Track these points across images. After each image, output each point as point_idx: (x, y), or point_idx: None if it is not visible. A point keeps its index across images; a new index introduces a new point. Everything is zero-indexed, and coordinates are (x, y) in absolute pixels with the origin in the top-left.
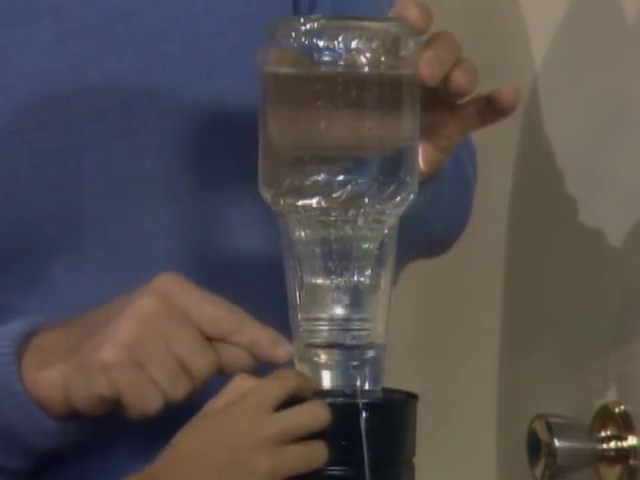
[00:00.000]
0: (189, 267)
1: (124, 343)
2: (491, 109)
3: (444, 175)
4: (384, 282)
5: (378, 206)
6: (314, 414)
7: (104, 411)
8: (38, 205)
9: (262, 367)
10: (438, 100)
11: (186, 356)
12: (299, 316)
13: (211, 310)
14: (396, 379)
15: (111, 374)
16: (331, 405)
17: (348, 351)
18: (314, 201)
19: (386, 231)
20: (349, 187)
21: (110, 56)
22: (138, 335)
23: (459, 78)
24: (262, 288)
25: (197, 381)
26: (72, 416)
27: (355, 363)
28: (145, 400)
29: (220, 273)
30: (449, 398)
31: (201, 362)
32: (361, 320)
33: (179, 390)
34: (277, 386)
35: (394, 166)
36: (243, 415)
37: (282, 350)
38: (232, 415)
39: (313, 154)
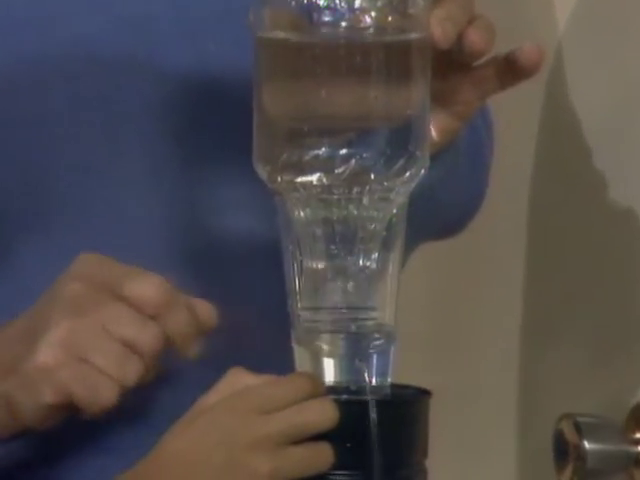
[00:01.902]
0: (174, 252)
1: (58, 340)
2: (511, 70)
3: (458, 147)
4: (392, 266)
5: (385, 183)
6: (320, 413)
7: (57, 421)
8: (2, 179)
9: (261, 365)
10: (451, 63)
11: (128, 335)
12: (299, 304)
13: (141, 286)
14: (406, 373)
15: (54, 377)
16: (335, 402)
17: (353, 342)
18: (314, 178)
19: (394, 210)
20: (353, 162)
21: (80, 15)
22: (71, 327)
23: (474, 37)
24: (257, 275)
25: (147, 358)
26: (17, 435)
27: (361, 355)
28: (98, 393)
29: (209, 259)
30: (465, 395)
31: (145, 337)
32: (367, 308)
33: (131, 373)
34: (288, 389)
35: (403, 138)
36: (242, 412)
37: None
38: (229, 412)
39: (313, 126)
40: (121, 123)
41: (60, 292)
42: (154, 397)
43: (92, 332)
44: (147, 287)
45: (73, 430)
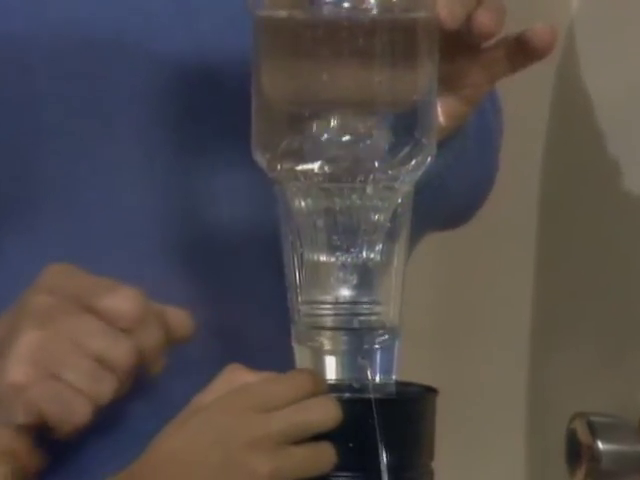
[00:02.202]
0: (168, 242)
1: (28, 356)
2: (522, 51)
3: (467, 132)
4: (397, 259)
5: (390, 171)
6: (323, 411)
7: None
8: None
9: (260, 362)
10: (460, 44)
11: (100, 349)
12: (299, 299)
13: (115, 299)
14: (411, 371)
15: (25, 396)
16: (337, 401)
17: (356, 337)
18: (316, 166)
19: (399, 200)
20: (356, 149)
21: None
22: (40, 342)
23: (483, 17)
24: (255, 267)
25: (121, 374)
26: None
27: (364, 351)
28: (71, 411)
29: (205, 249)
30: (472, 393)
31: (118, 351)
32: (371, 303)
33: (105, 390)
34: (288, 387)
35: (408, 125)
36: (240, 410)
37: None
38: (227, 410)
39: (314, 111)
40: (113, 108)
41: (28, 304)
42: (142, 400)
43: (63, 346)
44: (122, 300)
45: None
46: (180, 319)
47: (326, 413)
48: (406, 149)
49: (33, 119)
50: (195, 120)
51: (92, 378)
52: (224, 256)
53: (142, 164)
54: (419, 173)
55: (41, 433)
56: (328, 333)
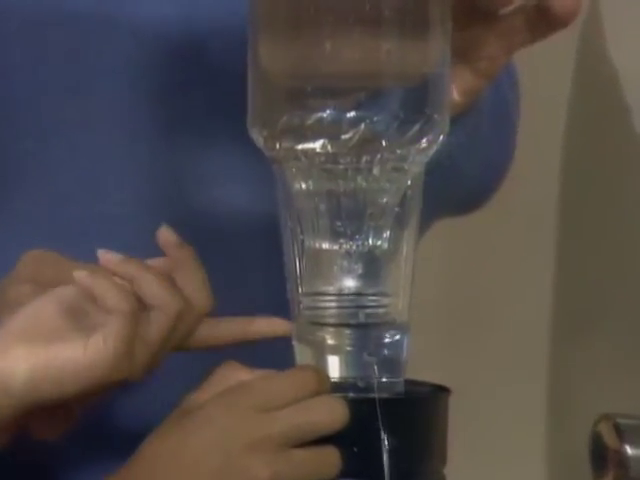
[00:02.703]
0: (154, 231)
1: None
2: (543, 20)
3: (482, 108)
4: (406, 247)
5: (399, 151)
6: (328, 412)
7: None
8: None
9: (257, 359)
10: (475, 12)
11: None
12: (300, 290)
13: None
14: (422, 369)
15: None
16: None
17: (362, 332)
18: (318, 145)
19: (409, 182)
20: (362, 127)
21: None
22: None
23: None
24: (251, 256)
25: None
26: None
27: (371, 348)
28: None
29: (194, 238)
30: (488, 393)
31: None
32: (378, 294)
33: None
34: (290, 385)
35: (419, 99)
36: (239, 410)
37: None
38: (224, 410)
39: (316, 85)
40: (93, 83)
41: (8, 295)
42: (137, 396)
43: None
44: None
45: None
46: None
47: (331, 414)
48: (416, 126)
49: (5, 92)
50: (182, 96)
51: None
52: (215, 243)
53: (124, 145)
54: (430, 152)
55: (23, 434)
56: (331, 328)
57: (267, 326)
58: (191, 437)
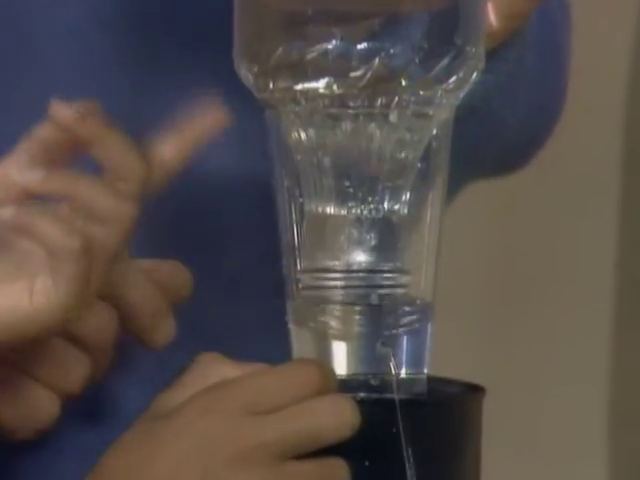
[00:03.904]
0: None
1: None
2: None
3: (526, 38)
4: (431, 212)
5: (422, 92)
6: (334, 415)
7: None
8: None
9: (243, 351)
10: None
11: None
12: (298, 266)
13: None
14: (450, 362)
15: None
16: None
17: (375, 318)
18: (321, 84)
19: (434, 132)
20: (376, 61)
21: None
22: None
23: None
24: (235, 225)
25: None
26: None
27: (386, 335)
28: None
29: (165, 202)
30: (533, 391)
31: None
32: (395, 271)
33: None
34: (287, 382)
35: (447, 26)
36: (224, 414)
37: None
38: (206, 413)
39: (319, 8)
40: (43, 39)
41: None
42: (111, 395)
43: None
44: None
45: None
46: (176, 274)
47: (337, 418)
48: (444, 61)
49: None
50: (146, 25)
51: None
52: (189, 210)
53: (80, 89)
54: (461, 94)
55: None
56: (337, 311)
57: (201, 124)
58: (164, 448)
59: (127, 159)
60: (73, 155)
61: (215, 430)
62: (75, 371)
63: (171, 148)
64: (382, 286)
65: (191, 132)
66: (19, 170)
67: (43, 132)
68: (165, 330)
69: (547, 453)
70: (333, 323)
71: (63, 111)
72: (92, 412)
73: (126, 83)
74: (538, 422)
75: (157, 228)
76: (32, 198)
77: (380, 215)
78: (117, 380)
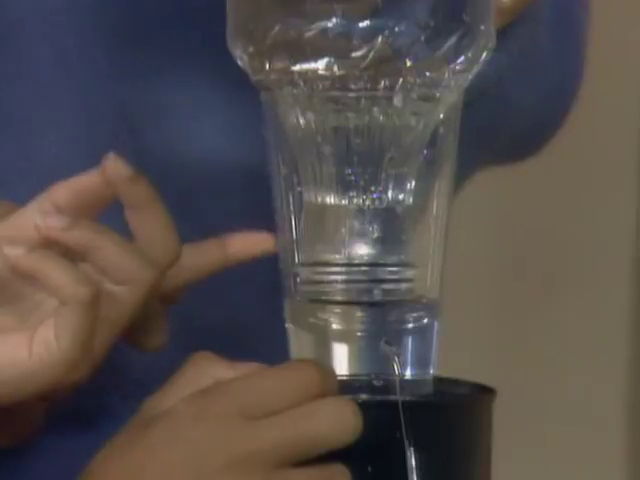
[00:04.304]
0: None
1: None
2: None
3: (539, 15)
4: (437, 202)
5: (428, 73)
6: (334, 420)
7: None
8: None
9: (237, 352)
10: None
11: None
12: (296, 259)
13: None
14: (458, 363)
15: None
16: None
17: (378, 315)
18: (321, 65)
19: (441, 116)
20: (379, 40)
21: None
22: None
23: None
24: (227, 217)
25: None
26: None
27: (390, 335)
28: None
29: (159, 185)
30: (546, 394)
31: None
32: (399, 265)
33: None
34: (284, 384)
35: (454, 3)
36: (218, 419)
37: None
38: (198, 418)
39: None
40: (15, 20)
41: None
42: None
43: None
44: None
45: None
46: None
47: (339, 422)
48: (451, 40)
49: None
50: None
51: None
52: (176, 200)
53: (58, 70)
54: (470, 75)
55: None
56: (337, 309)
57: (242, 245)
58: (154, 456)
59: (165, 234)
60: (99, 212)
61: (208, 436)
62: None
63: (205, 256)
64: (385, 281)
65: (233, 248)
66: (42, 214)
67: (83, 182)
68: (158, 335)
69: (562, 457)
70: (333, 320)
71: (117, 168)
72: (77, 415)
73: (110, 65)
74: (552, 425)
75: None
76: (49, 247)
77: (383, 205)
78: (102, 382)
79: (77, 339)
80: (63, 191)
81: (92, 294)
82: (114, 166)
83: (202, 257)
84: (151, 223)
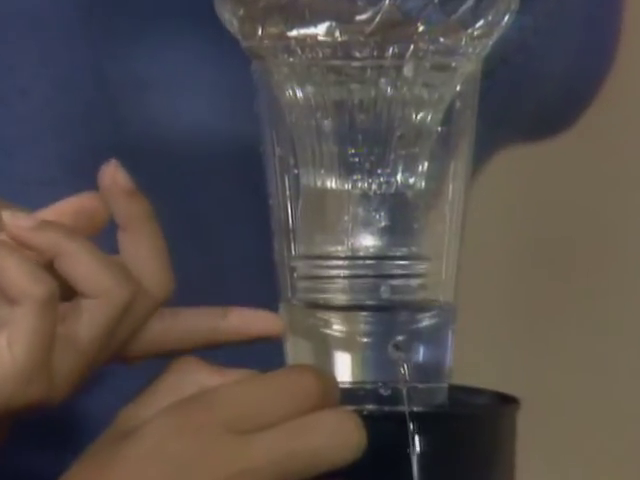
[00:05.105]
0: (79, 147)
1: None
2: None
3: None
4: (453, 187)
5: (443, 39)
6: (335, 434)
7: None
8: None
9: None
10: None
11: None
12: (293, 251)
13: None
14: (478, 369)
15: None
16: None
17: (385, 315)
18: (321, 29)
19: (458, 88)
20: (386, 2)
21: None
22: None
23: None
24: (216, 203)
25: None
26: None
27: (399, 338)
28: None
29: (131, 175)
30: (571, 404)
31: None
32: (410, 258)
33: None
34: (280, 393)
35: None
36: (206, 432)
37: None
38: (182, 431)
39: None
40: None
41: None
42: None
43: None
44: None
45: None
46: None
47: (341, 436)
48: (469, 1)
49: None
50: None
51: None
52: (158, 186)
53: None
54: (490, 42)
55: None
56: (339, 312)
57: (251, 322)
58: (130, 472)
59: (160, 268)
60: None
61: (191, 452)
62: None
63: (204, 324)
64: (394, 276)
65: (234, 322)
66: (12, 213)
67: (79, 200)
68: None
69: (588, 469)
70: (335, 321)
71: (116, 176)
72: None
73: (86, 30)
74: (578, 436)
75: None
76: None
77: (392, 190)
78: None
79: (32, 344)
80: (49, 214)
81: (49, 292)
82: (114, 173)
83: (199, 323)
84: (145, 250)
